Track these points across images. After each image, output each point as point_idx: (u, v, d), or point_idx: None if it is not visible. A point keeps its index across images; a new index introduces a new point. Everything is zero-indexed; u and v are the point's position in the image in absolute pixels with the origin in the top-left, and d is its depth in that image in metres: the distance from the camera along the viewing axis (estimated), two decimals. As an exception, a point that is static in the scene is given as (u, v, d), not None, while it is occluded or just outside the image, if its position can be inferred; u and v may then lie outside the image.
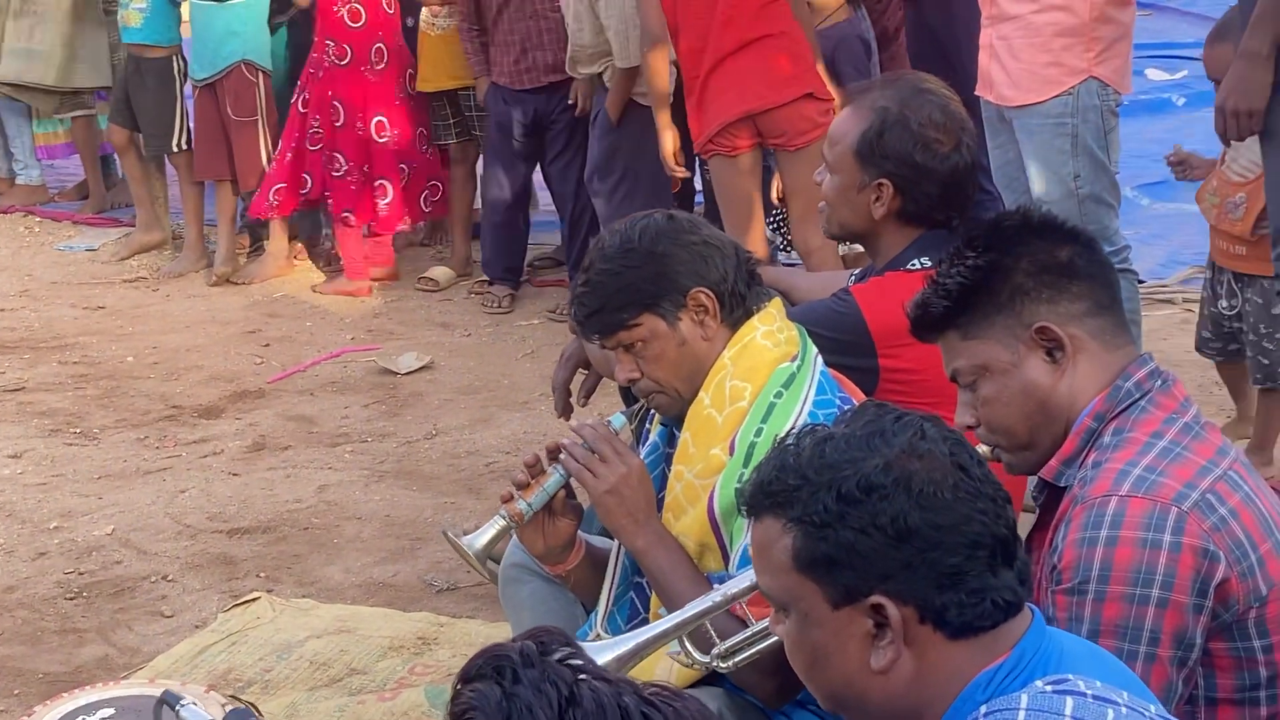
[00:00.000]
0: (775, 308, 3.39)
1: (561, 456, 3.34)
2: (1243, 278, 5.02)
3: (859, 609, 2.03)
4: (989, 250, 2.70)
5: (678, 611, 3.11)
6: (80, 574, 4.97)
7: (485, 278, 7.56)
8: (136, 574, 4.96)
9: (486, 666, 1.57)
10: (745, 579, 3.06)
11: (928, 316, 2.73)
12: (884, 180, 3.69)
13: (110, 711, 3.07)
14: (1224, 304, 5.09)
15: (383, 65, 7.53)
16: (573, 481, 3.42)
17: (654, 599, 3.46)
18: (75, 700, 3.11)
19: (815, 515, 2.03)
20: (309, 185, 7.59)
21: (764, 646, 3.12)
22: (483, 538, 3.42)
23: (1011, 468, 2.77)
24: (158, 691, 3.17)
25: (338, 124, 7.53)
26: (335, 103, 7.51)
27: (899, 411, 2.13)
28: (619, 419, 3.47)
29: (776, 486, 2.08)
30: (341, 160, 7.55)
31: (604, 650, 3.09)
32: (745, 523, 3.22)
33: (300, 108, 7.58)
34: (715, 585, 3.25)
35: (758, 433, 3.24)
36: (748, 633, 3.10)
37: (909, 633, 2.03)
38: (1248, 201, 4.87)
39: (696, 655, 3.16)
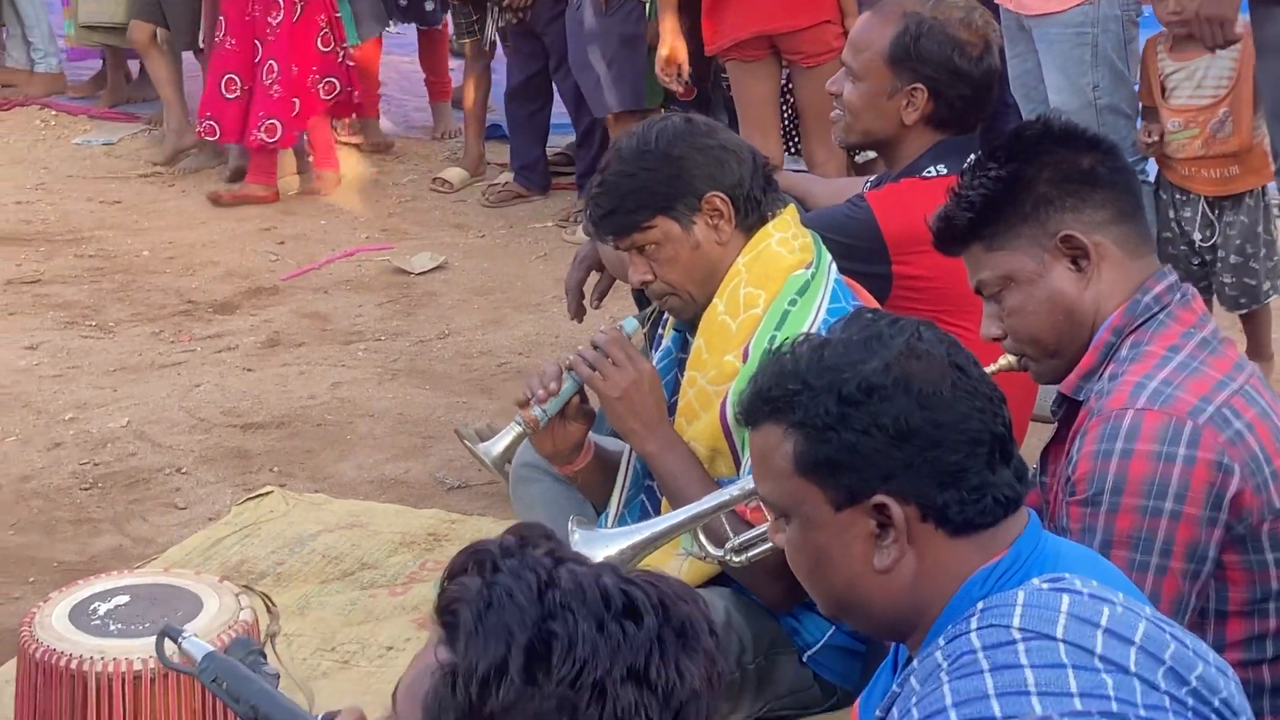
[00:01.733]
0: (790, 214, 3.37)
1: (573, 360, 3.35)
2: (1222, 203, 4.92)
3: (862, 510, 2.03)
4: (1011, 161, 2.68)
5: (694, 503, 3.13)
6: (95, 465, 4.97)
7: (498, 181, 7.52)
8: (151, 466, 4.96)
9: (469, 561, 1.59)
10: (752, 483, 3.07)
11: (951, 230, 2.71)
12: (918, 85, 3.67)
13: (125, 599, 3.08)
14: (1198, 236, 4.98)
15: None
16: (586, 386, 3.43)
17: (665, 503, 3.47)
18: (91, 587, 3.13)
19: (816, 419, 2.03)
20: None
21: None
22: (499, 445, 3.44)
23: (1040, 376, 2.78)
24: (172, 580, 3.20)
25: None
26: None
27: (893, 316, 2.13)
28: (631, 323, 3.47)
29: (776, 393, 2.07)
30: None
31: (618, 539, 3.11)
32: None
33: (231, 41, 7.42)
34: (722, 486, 3.26)
35: (771, 340, 3.24)
36: (761, 529, 3.11)
37: (911, 531, 2.03)
38: (1232, 113, 4.79)
39: (711, 549, 3.18)
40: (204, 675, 2.11)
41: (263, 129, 7.39)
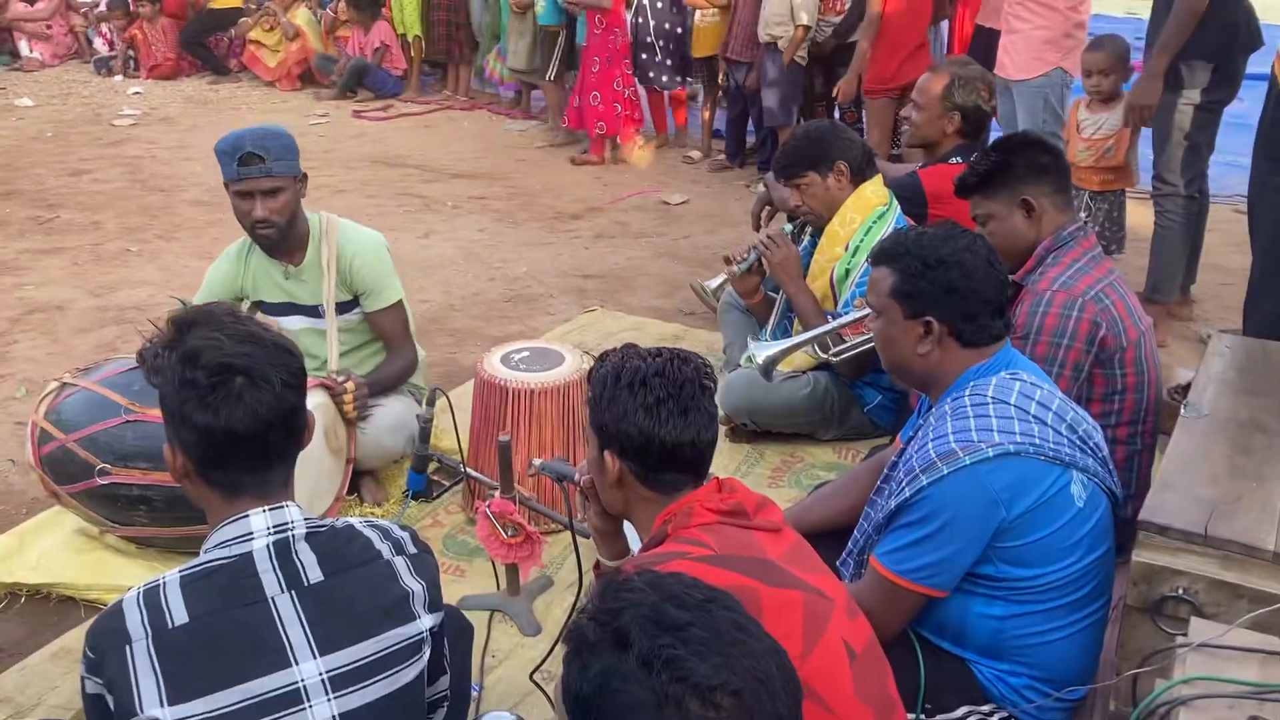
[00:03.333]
0: (878, 178, 3.30)
1: (757, 243, 3.34)
2: (1100, 195, 4.56)
3: (918, 321, 2.02)
4: (1002, 153, 2.58)
5: (816, 329, 3.11)
6: (510, 291, 5.07)
7: (718, 159, 7.41)
8: (537, 293, 5.05)
9: (600, 357, 1.76)
10: (847, 317, 3.03)
11: (965, 185, 2.63)
12: (956, 112, 3.55)
13: (527, 353, 3.10)
14: (1083, 215, 4.62)
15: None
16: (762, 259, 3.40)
17: (795, 324, 3.45)
18: (510, 346, 3.16)
19: (909, 269, 2.01)
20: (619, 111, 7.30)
21: (857, 351, 3.11)
22: (714, 282, 3.46)
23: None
24: (551, 345, 3.19)
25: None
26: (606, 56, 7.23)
27: (964, 229, 2.08)
28: (787, 227, 3.43)
29: (895, 249, 2.05)
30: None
31: (774, 345, 3.09)
32: (848, 284, 3.19)
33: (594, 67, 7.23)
34: (830, 317, 3.23)
35: (860, 240, 3.20)
36: (852, 343, 3.09)
37: (941, 339, 2.01)
38: (1116, 147, 4.48)
39: (820, 353, 3.17)
40: (536, 468, 2.22)
41: (598, 128, 7.38)
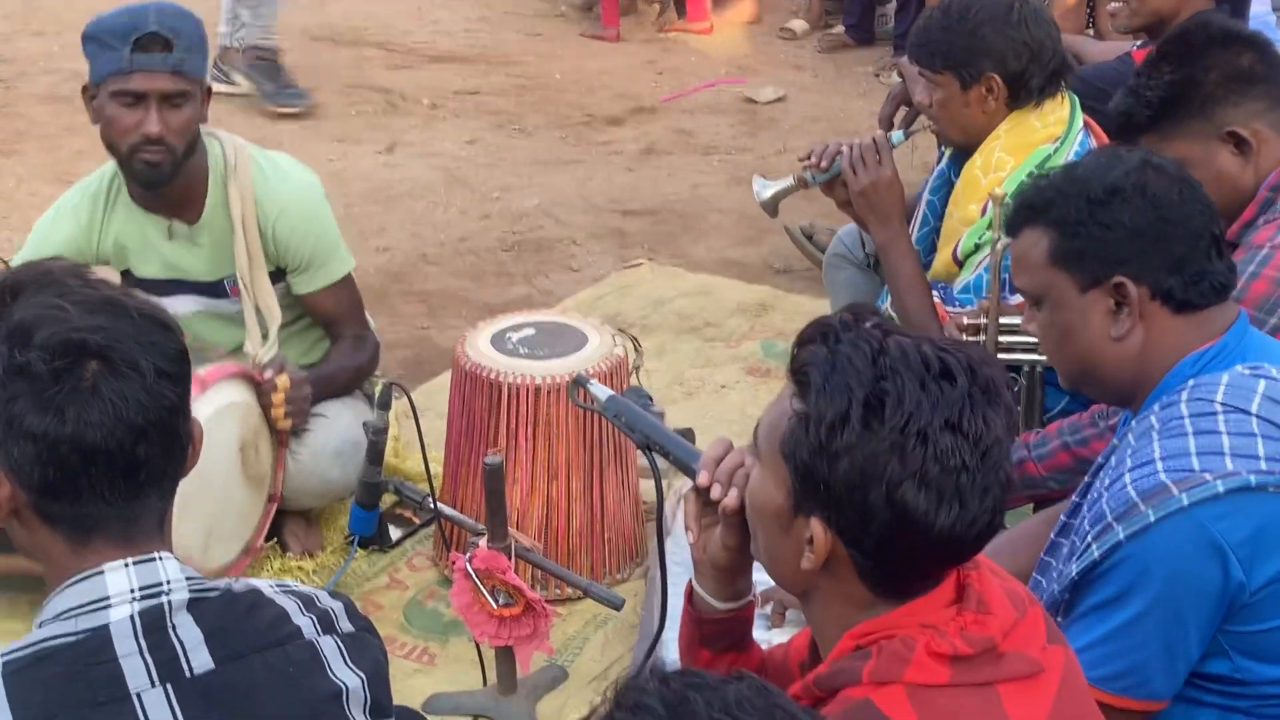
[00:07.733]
0: (1060, 103, 3.17)
1: (843, 151, 3.23)
2: None
3: (1103, 290, 2.00)
4: (1182, 65, 2.47)
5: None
6: (513, 233, 5.12)
7: (832, 32, 7.37)
8: (554, 237, 5.09)
9: (815, 332, 1.55)
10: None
11: (1131, 124, 2.51)
12: None
13: (531, 331, 3.15)
14: None
15: None
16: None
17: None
18: (507, 320, 3.20)
19: (1069, 216, 2.01)
20: None
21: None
22: (769, 190, 3.39)
23: None
24: (566, 320, 3.26)
25: None
26: None
27: (1131, 147, 2.08)
28: (898, 136, 3.31)
29: (1035, 200, 2.04)
30: None
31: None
32: (975, 261, 3.12)
33: None
34: (934, 289, 3.15)
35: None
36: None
37: (1142, 307, 2.00)
38: None
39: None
40: (607, 412, 1.98)
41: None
